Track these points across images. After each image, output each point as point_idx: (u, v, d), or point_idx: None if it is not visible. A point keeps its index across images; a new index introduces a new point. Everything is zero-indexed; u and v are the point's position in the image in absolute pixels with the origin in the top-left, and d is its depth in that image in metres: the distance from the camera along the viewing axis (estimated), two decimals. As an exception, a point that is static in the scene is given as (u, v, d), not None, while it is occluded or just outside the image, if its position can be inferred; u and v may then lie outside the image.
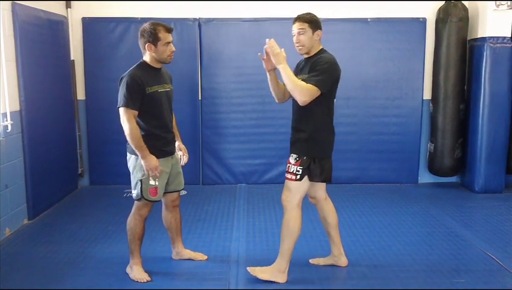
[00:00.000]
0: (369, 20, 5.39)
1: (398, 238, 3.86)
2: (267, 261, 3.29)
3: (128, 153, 3.04)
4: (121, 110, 2.90)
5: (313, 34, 2.93)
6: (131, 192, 3.08)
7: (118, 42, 5.28)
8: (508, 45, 4.95)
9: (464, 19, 5.15)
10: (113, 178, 5.37)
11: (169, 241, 3.70)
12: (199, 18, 5.34)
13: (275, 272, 3.04)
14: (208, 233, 3.98)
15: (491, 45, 4.94)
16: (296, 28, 2.96)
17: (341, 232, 3.95)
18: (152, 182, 2.97)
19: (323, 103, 2.92)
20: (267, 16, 5.28)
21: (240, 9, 5.31)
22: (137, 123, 2.93)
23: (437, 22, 5.28)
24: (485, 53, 4.96)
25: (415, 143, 5.57)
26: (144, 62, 3.00)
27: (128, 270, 3.17)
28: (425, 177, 5.65)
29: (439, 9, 5.25)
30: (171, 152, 3.11)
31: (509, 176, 5.35)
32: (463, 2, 5.19)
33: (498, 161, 5.11)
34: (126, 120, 2.88)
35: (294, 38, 2.97)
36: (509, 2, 4.88)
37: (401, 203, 4.83)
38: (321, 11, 5.38)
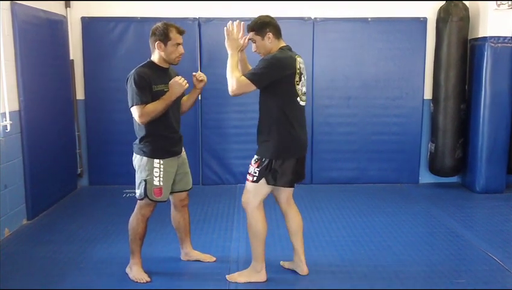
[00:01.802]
0: (369, 19, 5.38)
1: (399, 238, 3.85)
2: (267, 261, 3.29)
3: (134, 153, 3.04)
4: (136, 109, 2.86)
5: (262, 38, 2.86)
6: (134, 191, 3.07)
7: (117, 42, 5.26)
8: (508, 44, 4.94)
9: (465, 19, 5.13)
10: (112, 178, 5.36)
11: (169, 241, 3.72)
12: (199, 18, 5.33)
13: (252, 273, 3.04)
14: (208, 233, 3.98)
15: (492, 44, 4.93)
16: (249, 36, 2.91)
17: (342, 232, 3.98)
18: (156, 182, 2.96)
19: (278, 104, 2.83)
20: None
21: (240, 9, 5.30)
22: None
23: (438, 21, 5.27)
24: (485, 53, 4.95)
25: (415, 143, 5.56)
26: (151, 61, 3.00)
27: (127, 270, 3.16)
28: (426, 177, 5.63)
29: (440, 9, 5.23)
30: (177, 152, 3.10)
31: (510, 176, 5.33)
32: (464, 1, 5.17)
33: (499, 161, 5.10)
34: (142, 115, 2.85)
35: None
36: (509, 1, 4.87)
37: (402, 203, 4.82)
38: (321, 11, 5.42)
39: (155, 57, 2.99)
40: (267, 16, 2.92)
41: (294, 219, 3.13)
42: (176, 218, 3.32)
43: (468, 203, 4.85)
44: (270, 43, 2.87)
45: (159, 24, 2.95)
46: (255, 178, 2.90)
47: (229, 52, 2.87)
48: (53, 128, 4.72)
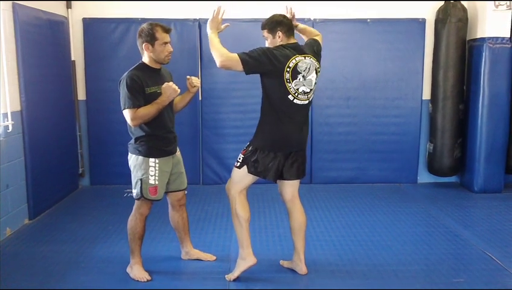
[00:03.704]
0: (368, 20, 5.41)
1: (398, 238, 3.87)
2: (267, 260, 3.32)
3: (129, 153, 3.06)
4: (128, 112, 2.89)
5: (274, 37, 2.96)
6: (131, 191, 3.10)
7: (118, 42, 5.29)
8: (507, 45, 4.96)
9: (463, 20, 5.16)
10: (113, 178, 5.39)
11: (170, 240, 3.74)
12: (199, 18, 5.35)
13: (240, 262, 3.08)
14: (208, 233, 4.00)
15: (490, 45, 4.95)
16: (263, 34, 3.03)
17: (341, 231, 4.01)
18: (152, 181, 2.99)
19: (269, 99, 2.92)
20: (267, 17, 5.28)
21: (240, 10, 5.32)
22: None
23: (436, 22, 5.29)
24: (484, 53, 4.97)
25: (414, 143, 5.59)
26: (143, 63, 3.02)
27: (128, 269, 3.19)
28: (424, 177, 5.66)
29: (439, 10, 5.26)
30: (171, 152, 3.12)
31: (508, 176, 5.36)
32: (462, 2, 5.20)
33: (497, 160, 5.12)
34: (134, 118, 2.89)
35: None
36: (508, 2, 4.90)
37: (401, 203, 4.84)
38: (321, 12, 5.44)
39: (145, 58, 3.01)
40: (280, 15, 3.01)
41: (298, 219, 3.15)
42: (174, 218, 3.34)
43: (466, 203, 4.88)
44: (280, 42, 2.95)
45: (144, 25, 2.96)
46: (238, 164, 3.02)
47: (210, 31, 2.98)
48: (54, 129, 4.74)
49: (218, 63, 2.86)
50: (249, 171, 2.98)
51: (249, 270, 3.08)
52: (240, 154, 3.03)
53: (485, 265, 3.35)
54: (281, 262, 3.33)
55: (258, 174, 2.99)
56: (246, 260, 3.05)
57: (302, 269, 3.18)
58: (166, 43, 2.95)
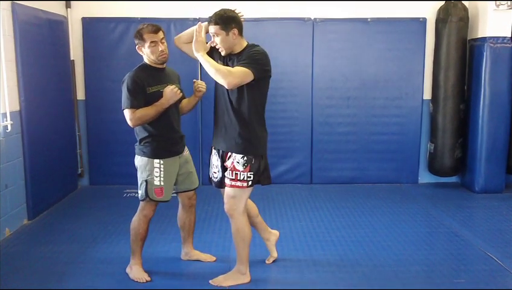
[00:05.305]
0: (369, 20, 5.40)
1: (398, 238, 3.86)
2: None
3: (135, 154, 3.06)
4: (127, 112, 2.90)
5: (227, 34, 2.72)
6: (134, 191, 3.09)
7: (117, 42, 5.28)
8: (508, 44, 4.95)
9: (464, 19, 5.15)
10: (113, 178, 5.38)
11: (170, 241, 3.73)
12: (199, 18, 5.33)
13: (238, 275, 3.03)
14: (208, 233, 3.99)
15: (491, 44, 4.94)
16: (211, 30, 2.77)
17: (341, 231, 4.01)
18: (157, 182, 2.98)
19: (257, 101, 2.81)
20: (267, 16, 5.29)
21: (240, 10, 5.29)
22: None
23: (437, 22, 5.28)
24: (485, 53, 4.96)
25: (415, 143, 5.57)
26: (144, 63, 3.03)
27: (128, 270, 3.18)
28: (425, 177, 5.65)
29: (439, 9, 5.25)
30: (178, 152, 3.11)
31: (509, 176, 5.35)
32: (463, 2, 5.19)
33: (498, 160, 5.11)
34: (133, 119, 2.90)
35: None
36: (509, 1, 4.88)
37: (401, 203, 4.83)
38: (321, 12, 5.43)
39: (145, 58, 3.03)
40: (232, 11, 2.81)
41: (255, 212, 3.26)
42: (182, 218, 3.33)
43: (467, 203, 4.87)
44: (234, 40, 2.75)
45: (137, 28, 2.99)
46: (249, 183, 2.84)
47: (200, 53, 2.74)
48: (54, 129, 4.73)
49: (227, 84, 2.65)
50: (264, 183, 2.96)
51: (212, 282, 3.06)
52: (243, 173, 2.81)
53: (486, 265, 3.34)
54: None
55: (267, 183, 2.99)
56: (245, 276, 3.03)
57: (274, 252, 3.36)
58: (154, 42, 2.92)
